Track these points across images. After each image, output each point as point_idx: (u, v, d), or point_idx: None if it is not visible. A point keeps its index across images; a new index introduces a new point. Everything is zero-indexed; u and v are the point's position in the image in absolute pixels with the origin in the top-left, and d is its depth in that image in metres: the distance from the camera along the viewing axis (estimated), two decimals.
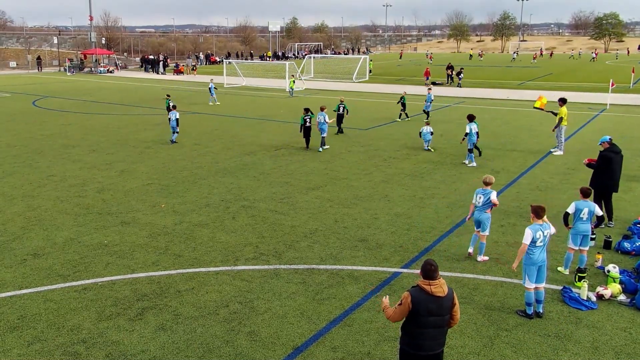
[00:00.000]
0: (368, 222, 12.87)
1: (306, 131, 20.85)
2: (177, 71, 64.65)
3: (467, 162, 18.81)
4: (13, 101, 37.25)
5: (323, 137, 21.00)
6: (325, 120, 20.74)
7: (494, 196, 10.58)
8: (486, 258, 10.74)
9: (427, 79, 47.14)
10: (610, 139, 13.08)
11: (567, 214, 10.18)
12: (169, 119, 21.98)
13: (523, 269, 8.59)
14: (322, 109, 20.98)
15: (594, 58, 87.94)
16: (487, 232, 10.71)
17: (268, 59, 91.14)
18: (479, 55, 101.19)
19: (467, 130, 18.56)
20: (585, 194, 10.11)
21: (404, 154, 20.25)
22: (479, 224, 10.70)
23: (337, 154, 20.26)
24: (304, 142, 21.14)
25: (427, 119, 24.77)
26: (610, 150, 12.80)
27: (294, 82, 41.84)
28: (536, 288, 8.56)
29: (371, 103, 36.02)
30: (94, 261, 10.64)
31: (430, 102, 28.04)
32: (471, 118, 18.71)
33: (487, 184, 10.70)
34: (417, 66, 77.93)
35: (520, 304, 8.95)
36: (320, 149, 20.80)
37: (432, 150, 20.81)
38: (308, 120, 20.74)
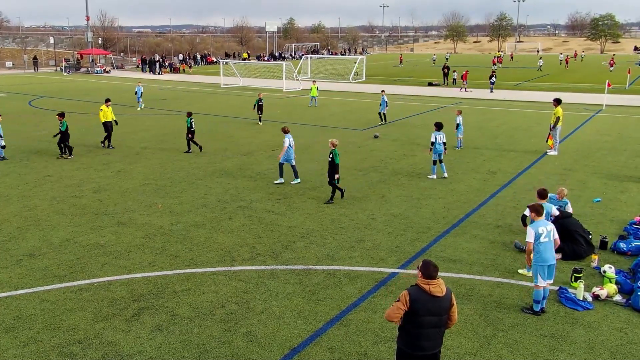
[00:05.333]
0: (365, 223, 12.88)
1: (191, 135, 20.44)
2: (176, 70, 70.12)
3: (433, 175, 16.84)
4: (9, 101, 37.12)
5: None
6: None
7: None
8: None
9: (465, 82, 45.01)
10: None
11: (524, 216, 10.88)
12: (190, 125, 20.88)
13: (534, 268, 8.69)
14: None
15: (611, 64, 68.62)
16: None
17: (243, 60, 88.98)
18: (499, 58, 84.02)
19: (432, 140, 16.35)
20: (542, 195, 10.46)
21: (400, 154, 20.25)
22: None
23: None
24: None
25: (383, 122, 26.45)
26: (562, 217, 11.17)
27: (317, 88, 34.83)
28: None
29: (368, 103, 36.03)
30: (90, 262, 10.61)
31: (385, 105, 26.98)
32: (439, 126, 16.64)
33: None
34: (415, 67, 78.09)
35: (517, 304, 8.97)
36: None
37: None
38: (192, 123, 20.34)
